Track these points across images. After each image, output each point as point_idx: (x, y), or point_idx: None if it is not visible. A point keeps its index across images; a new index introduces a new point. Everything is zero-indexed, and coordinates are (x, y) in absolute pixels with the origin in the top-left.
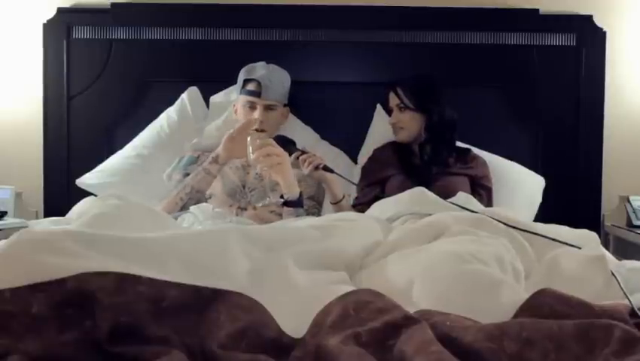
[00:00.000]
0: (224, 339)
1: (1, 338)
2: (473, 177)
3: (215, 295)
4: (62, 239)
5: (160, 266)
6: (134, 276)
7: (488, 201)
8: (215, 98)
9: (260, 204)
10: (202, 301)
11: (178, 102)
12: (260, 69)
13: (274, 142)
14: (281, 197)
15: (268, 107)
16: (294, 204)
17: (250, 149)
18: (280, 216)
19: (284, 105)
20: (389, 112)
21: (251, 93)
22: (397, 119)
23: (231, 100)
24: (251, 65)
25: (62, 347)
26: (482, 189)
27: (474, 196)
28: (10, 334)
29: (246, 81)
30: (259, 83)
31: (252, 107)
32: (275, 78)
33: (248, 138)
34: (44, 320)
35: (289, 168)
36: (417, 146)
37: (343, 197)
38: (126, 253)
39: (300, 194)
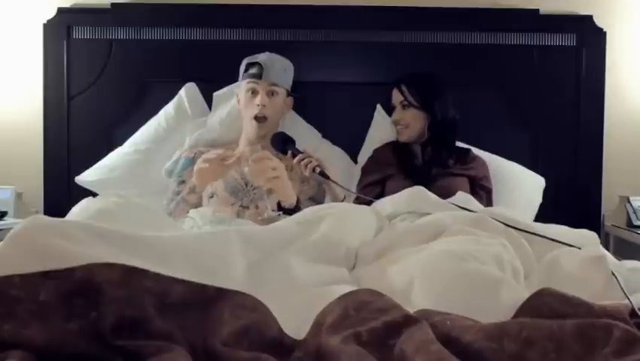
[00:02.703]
0: (227, 337)
1: (6, 323)
2: (473, 177)
3: (219, 294)
4: (72, 227)
5: (166, 263)
6: (141, 270)
7: (487, 202)
8: (218, 93)
9: (260, 218)
10: (207, 299)
11: (175, 98)
12: (261, 55)
13: (269, 154)
14: (279, 206)
15: (270, 93)
16: (292, 212)
17: (246, 163)
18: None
19: (288, 95)
20: (390, 110)
21: (252, 75)
22: (399, 116)
23: (234, 94)
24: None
25: (66, 336)
26: (481, 190)
27: (473, 197)
28: (16, 320)
29: (248, 66)
30: (260, 66)
31: (254, 92)
32: (277, 63)
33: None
34: (50, 307)
35: (286, 179)
36: (418, 146)
37: (344, 198)
38: (134, 248)
39: (298, 201)
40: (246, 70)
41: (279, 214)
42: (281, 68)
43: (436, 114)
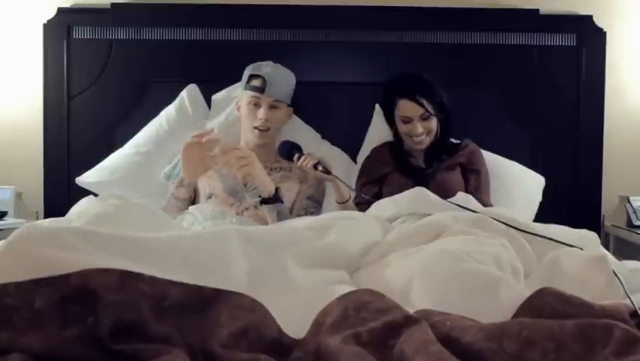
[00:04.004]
0: (226, 338)
1: (3, 333)
2: (463, 164)
3: (217, 295)
4: (66, 234)
5: (162, 265)
6: (137, 274)
7: (477, 184)
8: (217, 96)
9: (244, 206)
10: (204, 301)
11: (177, 100)
12: (265, 67)
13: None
14: (259, 196)
15: (272, 106)
16: (272, 201)
17: (218, 155)
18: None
19: (288, 106)
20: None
21: (255, 89)
22: (422, 128)
23: (233, 97)
24: (257, 63)
25: (63, 342)
26: (470, 173)
27: (464, 182)
28: (12, 328)
29: (251, 77)
30: (264, 80)
31: (256, 104)
32: (280, 76)
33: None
34: (46, 315)
35: (259, 167)
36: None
37: (349, 197)
38: (129, 252)
39: (277, 190)
40: (249, 80)
41: (259, 203)
42: (283, 82)
43: (449, 115)
